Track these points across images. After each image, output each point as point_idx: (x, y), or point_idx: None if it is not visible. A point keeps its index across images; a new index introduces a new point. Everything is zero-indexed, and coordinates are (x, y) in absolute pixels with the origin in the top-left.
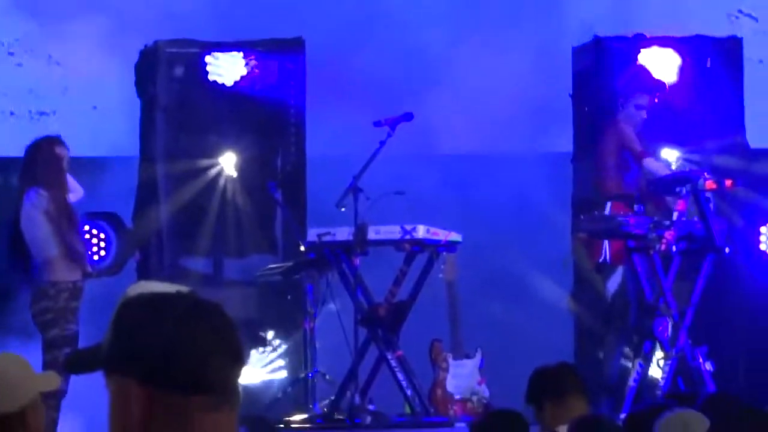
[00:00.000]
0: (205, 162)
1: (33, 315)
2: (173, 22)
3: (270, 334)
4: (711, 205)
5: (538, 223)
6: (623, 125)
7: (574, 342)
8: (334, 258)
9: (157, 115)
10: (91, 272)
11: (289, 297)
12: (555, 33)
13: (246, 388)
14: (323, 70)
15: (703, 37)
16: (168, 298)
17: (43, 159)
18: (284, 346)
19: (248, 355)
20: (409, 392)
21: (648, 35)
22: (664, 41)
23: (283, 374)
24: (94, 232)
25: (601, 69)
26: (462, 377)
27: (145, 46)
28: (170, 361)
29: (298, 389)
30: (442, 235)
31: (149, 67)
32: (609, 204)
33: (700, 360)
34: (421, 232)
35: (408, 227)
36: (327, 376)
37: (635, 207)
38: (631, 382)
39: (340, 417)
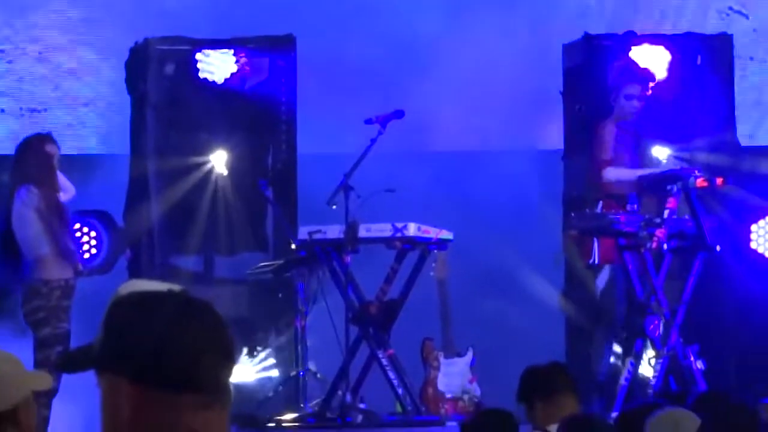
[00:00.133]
0: (195, 159)
1: (25, 314)
2: (164, 20)
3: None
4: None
5: (530, 221)
6: (606, 129)
7: (566, 340)
8: (325, 256)
9: (147, 113)
10: (83, 270)
11: (280, 295)
12: (546, 30)
13: (237, 386)
14: (314, 68)
15: (693, 35)
16: (159, 296)
17: (33, 156)
18: (275, 345)
19: (239, 353)
20: (400, 391)
21: (638, 32)
22: (654, 38)
23: (274, 373)
24: (85, 230)
25: (592, 66)
26: (453, 376)
27: (136, 43)
28: (161, 359)
29: (289, 388)
30: (433, 232)
31: (140, 65)
32: (600, 202)
33: (692, 358)
34: (412, 230)
35: (399, 225)
36: (318, 375)
37: (627, 206)
38: (622, 381)
39: (331, 416)
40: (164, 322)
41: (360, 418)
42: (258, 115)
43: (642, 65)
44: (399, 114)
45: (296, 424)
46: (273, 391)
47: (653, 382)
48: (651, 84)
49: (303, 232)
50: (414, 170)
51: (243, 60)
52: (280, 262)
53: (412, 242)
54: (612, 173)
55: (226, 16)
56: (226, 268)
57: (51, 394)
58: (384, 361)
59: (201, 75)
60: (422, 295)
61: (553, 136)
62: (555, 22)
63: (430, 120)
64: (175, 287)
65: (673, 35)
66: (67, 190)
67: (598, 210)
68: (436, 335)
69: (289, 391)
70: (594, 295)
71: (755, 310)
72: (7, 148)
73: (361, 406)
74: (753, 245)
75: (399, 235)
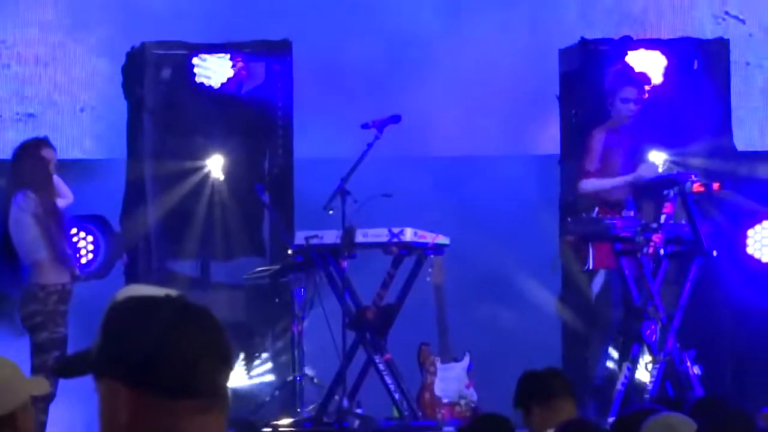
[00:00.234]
0: (192, 164)
1: (22, 318)
2: (161, 24)
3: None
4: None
5: (527, 226)
6: (595, 138)
7: (562, 345)
8: (322, 261)
9: (144, 117)
10: (80, 275)
11: (276, 300)
12: (543, 34)
13: (234, 391)
14: (310, 72)
15: (689, 39)
16: (156, 301)
17: (30, 161)
18: (272, 349)
19: (236, 358)
20: (397, 396)
21: (635, 37)
22: (651, 43)
23: (271, 377)
24: (82, 234)
25: (588, 71)
26: (450, 381)
27: (132, 47)
28: (159, 364)
29: (285, 392)
30: (430, 238)
31: (136, 69)
32: (596, 207)
33: (688, 364)
34: (409, 235)
35: (395, 230)
36: (315, 380)
37: (623, 211)
38: (618, 386)
39: (328, 420)
40: (161, 327)
41: (357, 423)
42: (254, 119)
43: (638, 69)
44: (396, 119)
45: (293, 428)
46: (270, 395)
47: (650, 387)
48: (647, 87)
49: (300, 237)
50: (411, 175)
51: (239, 64)
52: (277, 267)
53: (408, 247)
54: (588, 184)
55: (223, 21)
56: (223, 273)
57: (48, 399)
58: (381, 366)
59: (198, 79)
60: (419, 300)
61: (550, 141)
62: (552, 27)
63: (426, 125)
64: (172, 292)
65: (669, 40)
66: (65, 196)
67: (595, 215)
68: (432, 340)
69: (285, 396)
70: (590, 300)
71: (752, 314)
72: (4, 153)
73: (358, 411)
74: (749, 250)
75: (396, 240)
